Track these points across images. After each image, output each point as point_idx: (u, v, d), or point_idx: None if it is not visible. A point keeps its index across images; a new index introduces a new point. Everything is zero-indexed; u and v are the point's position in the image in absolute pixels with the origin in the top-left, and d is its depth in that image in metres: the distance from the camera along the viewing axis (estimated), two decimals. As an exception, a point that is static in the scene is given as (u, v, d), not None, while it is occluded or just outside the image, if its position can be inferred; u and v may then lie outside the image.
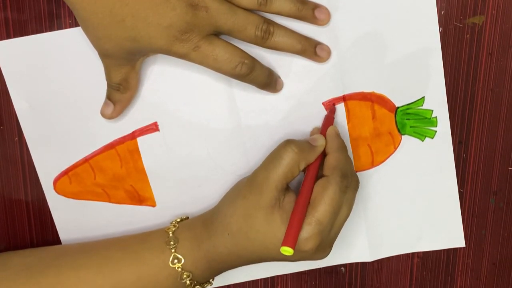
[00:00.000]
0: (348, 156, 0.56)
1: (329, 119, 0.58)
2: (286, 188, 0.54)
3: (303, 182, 0.54)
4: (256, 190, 0.53)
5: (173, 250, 0.55)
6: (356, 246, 0.63)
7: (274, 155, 0.54)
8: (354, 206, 0.62)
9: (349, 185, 0.54)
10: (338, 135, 0.57)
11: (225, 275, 0.63)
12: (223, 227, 0.54)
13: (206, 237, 0.55)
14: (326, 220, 0.52)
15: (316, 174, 0.55)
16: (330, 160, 0.55)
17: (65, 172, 0.60)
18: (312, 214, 0.52)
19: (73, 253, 0.57)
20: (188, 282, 0.55)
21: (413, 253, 0.65)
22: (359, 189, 0.61)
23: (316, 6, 0.55)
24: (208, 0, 0.51)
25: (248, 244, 0.53)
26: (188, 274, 0.55)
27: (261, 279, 0.64)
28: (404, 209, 0.63)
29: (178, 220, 0.59)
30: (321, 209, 0.52)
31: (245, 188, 0.55)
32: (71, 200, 0.61)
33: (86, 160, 0.60)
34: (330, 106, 0.59)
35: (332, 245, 0.55)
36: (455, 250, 0.65)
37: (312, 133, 0.59)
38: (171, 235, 0.56)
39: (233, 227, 0.54)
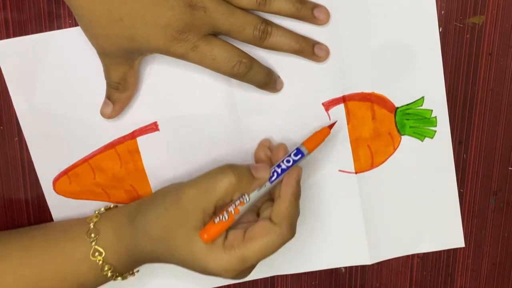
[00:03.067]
0: (298, 205, 0.53)
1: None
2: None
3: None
4: (181, 208, 0.52)
5: (93, 243, 0.54)
6: (355, 249, 0.63)
7: (209, 177, 0.52)
8: (354, 208, 0.62)
9: (292, 238, 0.52)
10: (299, 181, 0.53)
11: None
12: (145, 229, 0.53)
13: (128, 232, 0.54)
14: (252, 261, 0.51)
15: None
16: (282, 208, 0.52)
17: (65, 172, 0.60)
18: (242, 248, 0.51)
19: None
20: (109, 274, 0.55)
21: (413, 253, 0.64)
22: (359, 190, 0.61)
23: (315, 6, 0.55)
24: (206, 0, 0.51)
25: (168, 254, 0.53)
26: (109, 266, 0.55)
27: (261, 279, 0.64)
28: (404, 210, 0.63)
29: (102, 209, 0.58)
30: (252, 250, 0.51)
31: (170, 200, 0.53)
32: (70, 200, 0.61)
33: (85, 160, 0.60)
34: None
35: (251, 271, 0.54)
36: (455, 250, 0.65)
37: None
38: (92, 227, 0.55)
39: (154, 233, 0.53)
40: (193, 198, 0.51)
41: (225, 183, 0.51)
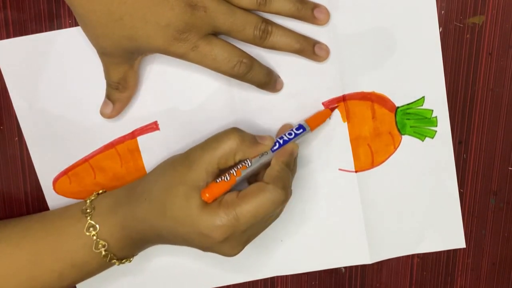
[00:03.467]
0: (289, 173, 0.54)
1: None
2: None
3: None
4: (187, 166, 0.53)
5: (88, 218, 0.54)
6: (356, 248, 0.63)
7: (215, 137, 0.54)
8: (354, 207, 0.62)
9: (285, 201, 0.52)
10: (292, 154, 0.55)
11: (224, 275, 0.63)
12: (143, 192, 0.54)
13: (126, 201, 0.55)
14: (244, 220, 0.51)
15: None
16: (274, 170, 0.53)
17: (65, 172, 0.60)
18: (235, 206, 0.51)
19: None
20: (103, 252, 0.54)
21: (413, 253, 0.64)
22: (359, 189, 0.61)
23: (316, 6, 0.55)
24: (206, 0, 0.51)
25: (161, 215, 0.53)
26: (103, 243, 0.54)
27: (261, 279, 0.64)
28: (404, 210, 0.63)
29: (101, 191, 0.59)
30: (245, 208, 0.51)
31: (178, 160, 0.54)
32: (70, 200, 0.61)
33: (86, 160, 0.60)
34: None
35: (244, 246, 0.54)
36: (455, 250, 0.65)
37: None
38: (88, 203, 0.56)
39: (153, 193, 0.53)
40: (198, 156, 0.53)
41: (228, 141, 0.53)
